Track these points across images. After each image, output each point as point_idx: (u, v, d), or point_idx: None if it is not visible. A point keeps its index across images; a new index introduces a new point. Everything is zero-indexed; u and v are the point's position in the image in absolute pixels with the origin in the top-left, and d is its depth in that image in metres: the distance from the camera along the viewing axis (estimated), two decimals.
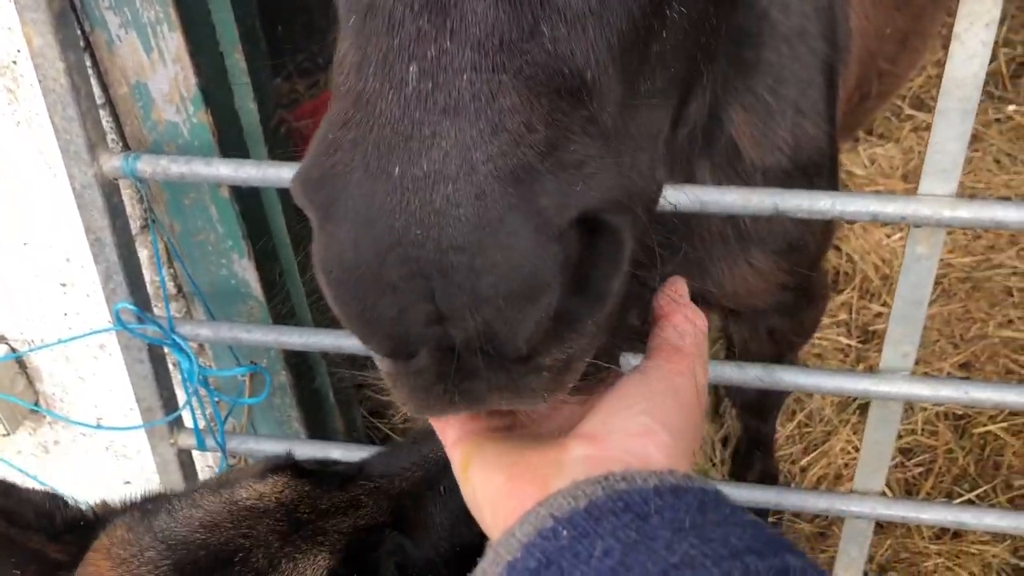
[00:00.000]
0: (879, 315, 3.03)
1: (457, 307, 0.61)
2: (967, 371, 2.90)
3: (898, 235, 3.21)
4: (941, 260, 3.17)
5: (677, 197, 1.39)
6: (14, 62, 1.60)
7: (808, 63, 1.64)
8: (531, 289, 0.60)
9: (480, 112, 0.59)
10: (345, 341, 1.60)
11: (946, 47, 1.24)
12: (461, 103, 0.59)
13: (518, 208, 0.59)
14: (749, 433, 2.49)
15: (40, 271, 1.90)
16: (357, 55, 0.64)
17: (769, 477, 2.50)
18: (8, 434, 2.06)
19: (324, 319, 2.04)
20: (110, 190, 1.57)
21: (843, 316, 3.07)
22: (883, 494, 1.66)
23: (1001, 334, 2.95)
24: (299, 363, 2.10)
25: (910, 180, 3.35)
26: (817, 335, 2.87)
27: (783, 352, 2.07)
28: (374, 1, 0.64)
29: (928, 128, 1.35)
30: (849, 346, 2.95)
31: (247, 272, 1.87)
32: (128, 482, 2.33)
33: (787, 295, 1.85)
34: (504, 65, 0.60)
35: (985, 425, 2.73)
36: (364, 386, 2.94)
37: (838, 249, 3.18)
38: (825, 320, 2.97)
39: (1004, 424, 2.72)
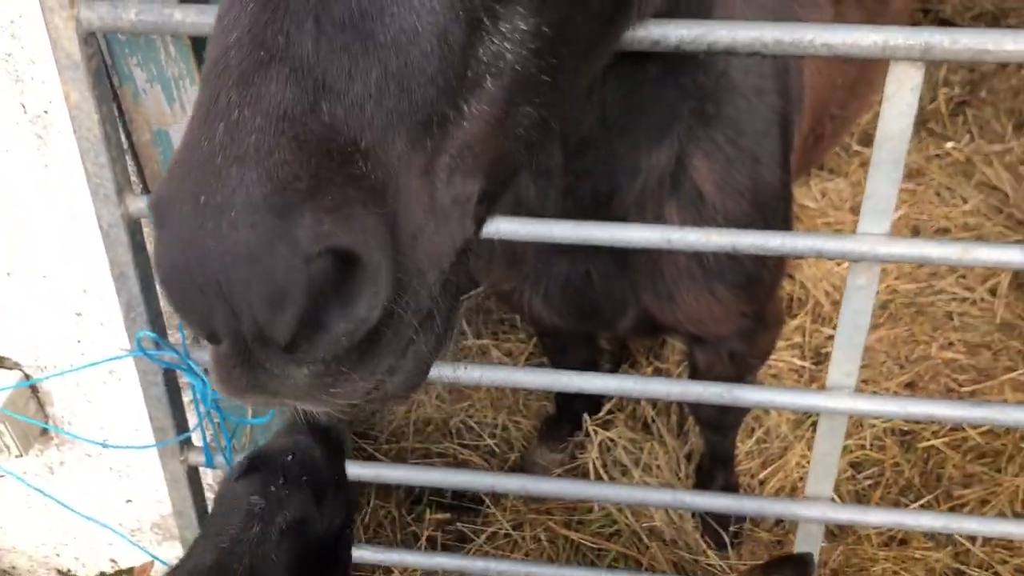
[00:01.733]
0: (830, 337, 3.24)
1: (236, 305, 0.79)
2: (912, 390, 3.12)
3: (846, 264, 3.44)
4: (887, 287, 3.43)
5: (649, 236, 1.58)
6: (45, 111, 1.75)
7: (764, 116, 1.84)
8: (278, 295, 0.78)
9: (259, 163, 0.78)
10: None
11: None
12: (247, 155, 0.78)
13: (278, 236, 0.77)
14: (711, 449, 2.68)
15: (57, 302, 2.04)
16: (199, 106, 0.84)
17: (730, 489, 2.69)
18: (21, 455, 2.18)
19: None
20: (134, 228, 1.72)
21: (797, 339, 3.28)
22: (832, 501, 1.85)
23: (943, 355, 3.18)
24: None
25: (858, 212, 3.59)
26: (773, 357, 3.08)
27: (742, 374, 2.25)
28: (211, 68, 0.84)
29: None
30: (803, 367, 3.16)
31: None
32: (130, 500, 2.45)
33: (746, 322, 2.05)
34: (283, 130, 0.79)
35: (928, 440, 2.94)
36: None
37: (792, 277, 3.39)
38: (780, 343, 3.17)
39: (946, 439, 2.93)
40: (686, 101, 1.66)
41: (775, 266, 2.00)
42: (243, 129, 0.79)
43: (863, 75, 2.43)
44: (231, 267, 0.77)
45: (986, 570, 2.66)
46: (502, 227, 1.59)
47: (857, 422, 2.96)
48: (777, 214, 1.89)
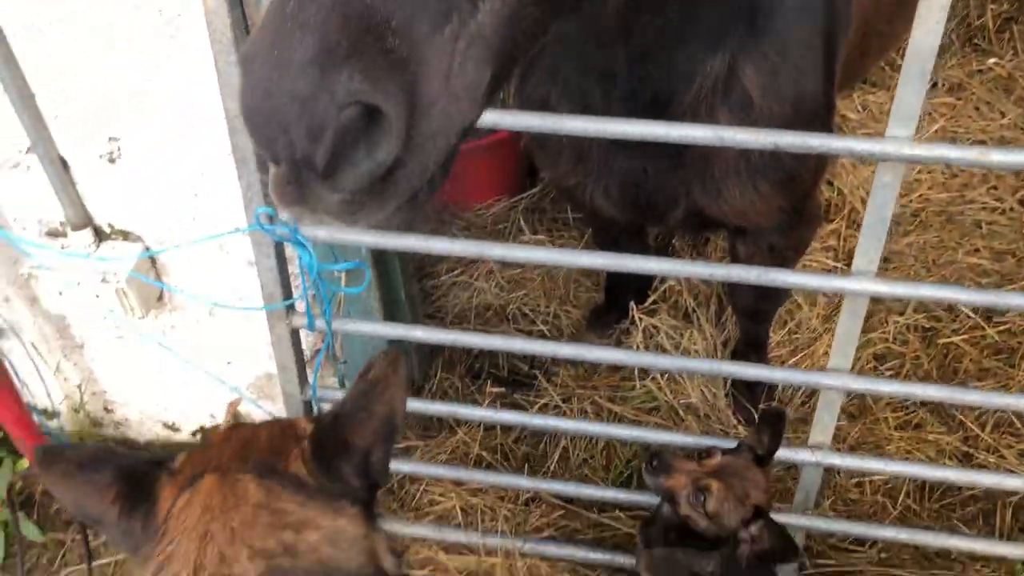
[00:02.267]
0: None
1: (289, 136, 1.05)
2: None
3: None
4: (920, 196, 3.63)
5: (704, 134, 1.82)
6: (178, 15, 2.01)
7: (810, 31, 2.04)
8: (317, 131, 1.03)
9: (315, 31, 1.03)
10: (413, 242, 2.09)
11: None
12: (307, 24, 1.03)
13: (320, 87, 1.02)
14: (746, 336, 2.95)
15: (178, 184, 2.33)
16: None
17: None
18: (142, 317, 2.51)
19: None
20: None
21: (832, 242, 3.50)
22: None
23: (968, 260, 3.40)
24: (377, 255, 2.56)
25: None
26: (808, 258, 3.32)
27: (779, 266, 2.50)
28: None
29: None
30: (836, 267, 3.40)
31: None
32: (230, 362, 2.79)
33: (784, 217, 2.29)
34: (334, 7, 1.04)
35: (948, 337, 3.19)
36: (424, 286, 3.42)
37: (831, 184, 3.60)
38: (816, 245, 3.41)
39: (965, 336, 3.18)
40: (738, 16, 1.88)
41: (814, 167, 2.22)
42: (306, 6, 1.04)
43: None
44: (287, 107, 1.04)
45: (992, 453, 2.94)
46: (570, 124, 1.83)
47: (883, 318, 3.21)
48: (817, 120, 2.10)
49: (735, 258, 2.54)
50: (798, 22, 2.01)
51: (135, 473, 1.37)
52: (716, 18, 1.86)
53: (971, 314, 3.22)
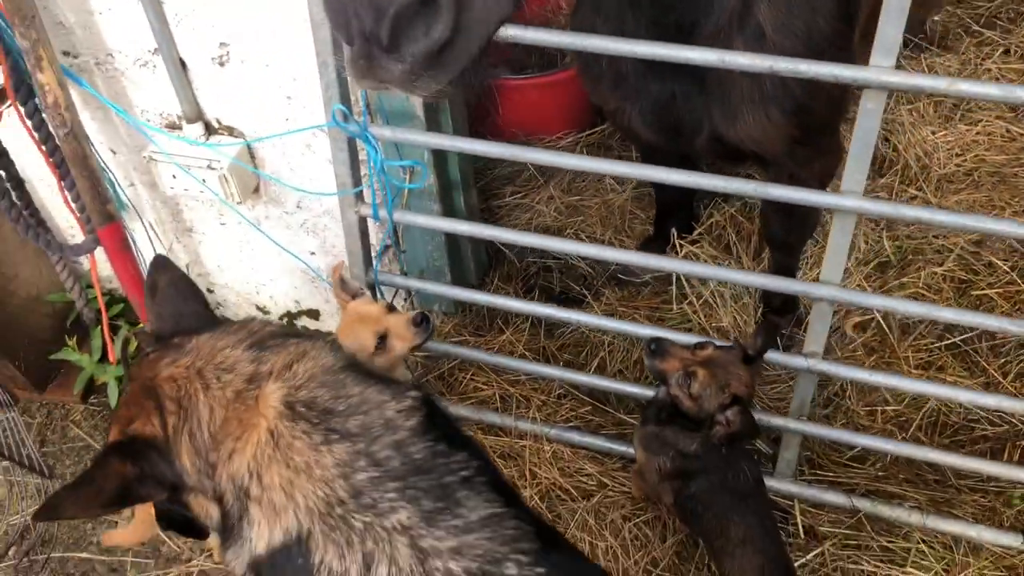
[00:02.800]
0: (914, 198, 3.62)
1: (359, 18, 1.33)
2: (979, 247, 3.48)
3: (942, 131, 3.77)
4: (976, 156, 3.74)
5: (708, 56, 2.09)
6: None
7: None
8: (381, 12, 1.31)
9: None
10: (462, 143, 2.42)
11: None
12: None
13: None
14: (777, 267, 3.18)
15: (274, 86, 2.73)
16: None
17: (789, 304, 3.20)
18: (240, 202, 2.94)
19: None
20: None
21: (883, 195, 3.67)
22: (840, 286, 2.36)
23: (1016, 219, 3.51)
24: (439, 162, 2.92)
25: None
26: None
27: None
28: None
29: None
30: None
31: (415, 98, 2.67)
32: (313, 253, 3.21)
33: (799, 148, 2.51)
34: None
35: (983, 289, 3.33)
36: (489, 205, 3.77)
37: (887, 140, 3.76)
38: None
39: (999, 290, 3.31)
40: None
41: (826, 101, 2.44)
42: None
43: None
44: None
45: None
46: (594, 43, 2.13)
47: (921, 266, 3.37)
48: (827, 57, 2.32)
49: None
50: None
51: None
52: None
53: (1008, 270, 3.35)
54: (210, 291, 3.55)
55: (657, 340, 2.37)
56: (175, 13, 2.63)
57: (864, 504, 2.76)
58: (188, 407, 1.51)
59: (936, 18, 4.23)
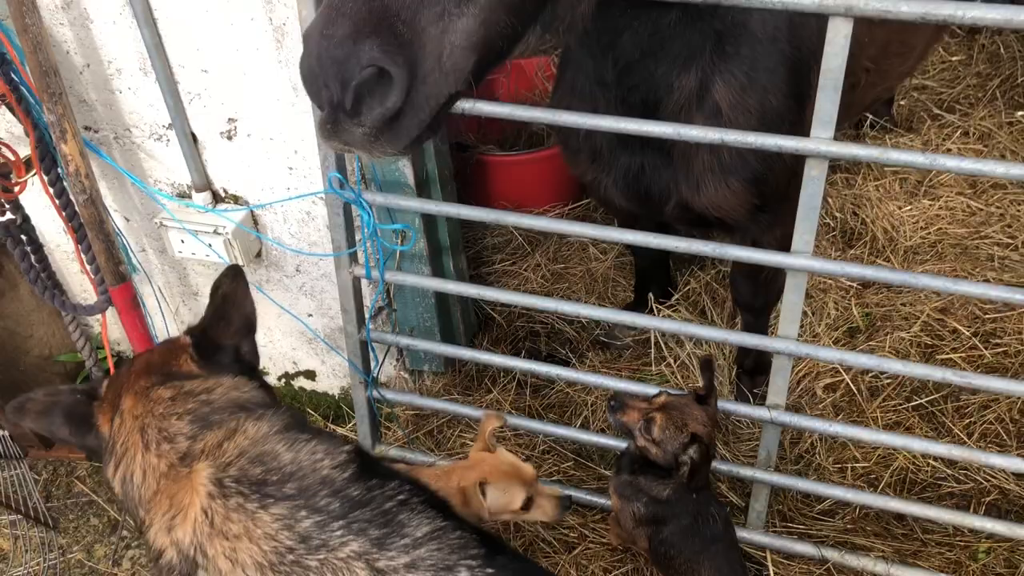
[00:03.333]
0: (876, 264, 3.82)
1: (328, 88, 1.58)
2: (944, 315, 3.66)
3: (907, 206, 4.00)
4: (939, 229, 3.96)
5: (664, 129, 2.32)
6: (284, 23, 2.66)
7: (775, 58, 2.49)
8: (346, 82, 1.56)
9: (351, 17, 1.55)
10: (448, 208, 2.64)
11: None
12: (346, 13, 1.55)
13: (351, 54, 1.54)
14: (748, 328, 3.36)
15: (277, 159, 2.97)
16: None
17: (761, 363, 3.38)
18: (244, 265, 3.15)
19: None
20: None
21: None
22: (797, 339, 2.54)
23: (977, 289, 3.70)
24: (430, 228, 3.13)
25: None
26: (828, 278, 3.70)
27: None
28: None
29: None
30: (852, 286, 3.77)
31: (406, 169, 2.90)
32: (310, 315, 3.41)
33: (761, 215, 2.72)
34: (365, 3, 1.56)
35: (947, 354, 3.51)
36: (479, 271, 3.97)
37: (855, 214, 3.99)
38: None
39: (963, 355, 3.48)
40: (706, 41, 2.37)
41: (782, 171, 2.66)
42: (347, 1, 1.59)
43: (897, 37, 3.02)
44: (329, 68, 1.59)
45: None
46: (566, 118, 2.36)
47: (888, 332, 3.55)
48: (780, 131, 2.55)
49: None
50: (765, 50, 2.46)
51: (75, 413, 1.83)
52: (684, 42, 2.35)
53: (971, 336, 3.53)
54: None
55: (616, 396, 2.54)
56: (188, 91, 2.88)
57: (833, 555, 2.88)
58: (126, 454, 1.68)
59: (902, 102, 4.52)
